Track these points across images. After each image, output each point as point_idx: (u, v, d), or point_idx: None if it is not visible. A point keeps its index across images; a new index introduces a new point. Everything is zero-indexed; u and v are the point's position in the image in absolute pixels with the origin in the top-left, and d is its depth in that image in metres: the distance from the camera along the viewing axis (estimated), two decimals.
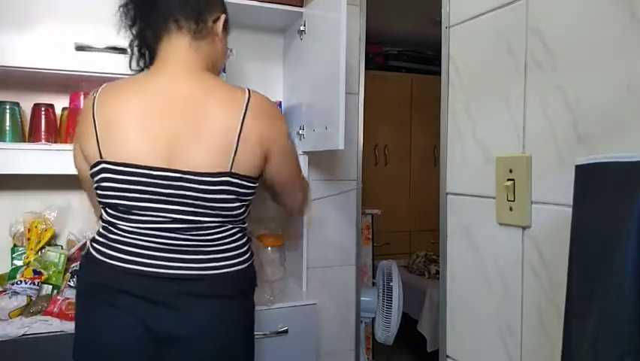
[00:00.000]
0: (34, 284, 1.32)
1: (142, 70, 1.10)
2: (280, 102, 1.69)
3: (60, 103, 1.50)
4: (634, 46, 0.65)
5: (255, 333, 1.36)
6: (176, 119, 0.96)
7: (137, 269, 0.96)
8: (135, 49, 1.09)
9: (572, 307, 0.54)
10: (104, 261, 0.97)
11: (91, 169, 1.00)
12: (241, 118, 0.97)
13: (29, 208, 1.47)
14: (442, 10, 1.02)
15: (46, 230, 1.45)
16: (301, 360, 1.47)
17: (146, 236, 0.97)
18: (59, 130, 1.48)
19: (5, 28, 1.28)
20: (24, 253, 1.44)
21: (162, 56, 1.03)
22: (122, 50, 1.36)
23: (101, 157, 0.96)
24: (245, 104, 0.98)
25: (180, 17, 1.02)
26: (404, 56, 3.86)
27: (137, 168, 0.94)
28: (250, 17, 1.64)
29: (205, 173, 0.95)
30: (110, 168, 0.95)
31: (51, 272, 1.39)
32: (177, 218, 0.96)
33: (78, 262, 1.38)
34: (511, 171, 0.83)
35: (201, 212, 0.97)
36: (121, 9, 1.06)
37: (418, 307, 2.84)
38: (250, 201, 1.05)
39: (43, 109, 1.45)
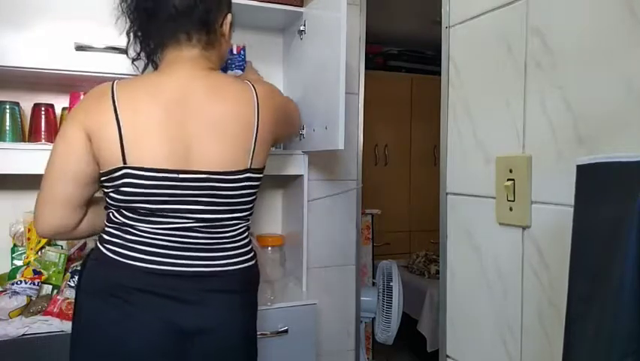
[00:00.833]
0: (34, 284, 1.32)
1: (138, 57, 1.09)
2: None
3: (60, 103, 1.50)
4: (634, 46, 0.65)
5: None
6: (193, 122, 0.97)
7: (158, 268, 0.97)
8: (133, 52, 1.09)
9: (572, 307, 0.54)
10: (121, 261, 0.96)
11: (107, 174, 0.96)
12: (256, 114, 1.02)
13: (29, 208, 1.46)
14: (442, 10, 1.02)
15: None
16: (301, 360, 1.47)
17: (166, 236, 0.98)
18: (59, 130, 1.48)
19: (5, 28, 1.28)
20: (24, 252, 1.44)
21: (172, 61, 1.03)
22: (122, 50, 1.36)
23: (125, 162, 0.94)
24: (255, 100, 1.03)
25: (191, 30, 1.02)
26: (404, 56, 3.86)
27: (163, 172, 0.95)
28: (250, 17, 1.64)
29: (231, 172, 0.98)
30: (134, 174, 0.94)
31: (51, 272, 1.39)
32: (200, 218, 0.98)
33: (78, 262, 1.38)
34: (511, 171, 0.83)
35: (223, 210, 1.00)
36: (122, 6, 1.04)
37: (418, 307, 2.84)
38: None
39: (43, 109, 1.45)
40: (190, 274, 0.99)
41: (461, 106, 0.98)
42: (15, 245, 1.46)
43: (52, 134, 1.45)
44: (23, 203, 1.48)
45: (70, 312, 1.21)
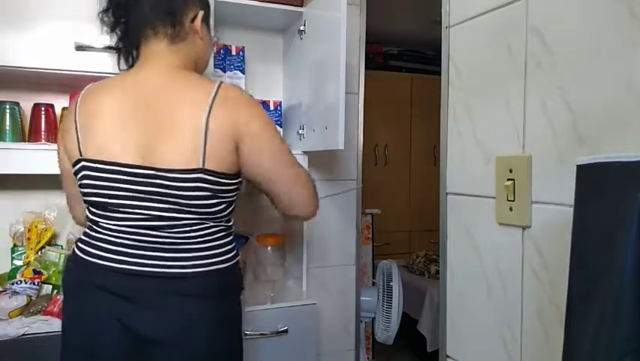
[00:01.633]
0: (34, 284, 1.32)
1: (128, 70, 1.11)
2: (280, 102, 1.69)
3: (60, 103, 1.50)
4: (634, 46, 0.65)
5: (255, 333, 1.37)
6: (150, 117, 0.96)
7: (116, 267, 0.96)
8: (122, 48, 1.10)
9: (572, 306, 0.54)
10: (85, 259, 0.99)
11: (73, 167, 1.01)
12: (207, 112, 0.94)
13: (29, 208, 1.47)
14: (442, 10, 1.02)
15: (46, 230, 1.45)
16: (301, 360, 1.47)
17: (126, 234, 0.97)
18: (59, 131, 1.48)
19: (5, 28, 1.28)
20: (24, 252, 1.44)
21: (142, 58, 1.05)
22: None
23: (81, 155, 0.98)
24: (212, 98, 0.95)
25: (156, 23, 1.02)
26: (404, 56, 3.86)
27: (114, 165, 0.96)
28: (250, 17, 1.64)
29: (178, 170, 0.93)
30: (89, 166, 0.97)
31: (51, 272, 1.39)
32: (156, 215, 0.96)
33: None
34: (511, 171, 0.83)
35: (178, 209, 0.96)
36: (100, 15, 1.06)
37: (418, 307, 2.84)
38: (232, 199, 1.02)
39: (43, 109, 1.45)
40: (151, 275, 0.95)
41: (461, 106, 0.98)
42: (15, 245, 1.46)
43: (52, 134, 1.45)
44: (23, 203, 1.49)
45: None
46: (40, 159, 1.30)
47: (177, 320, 0.95)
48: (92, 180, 0.97)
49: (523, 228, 0.82)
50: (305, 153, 1.61)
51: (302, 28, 1.58)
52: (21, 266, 1.39)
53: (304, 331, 1.47)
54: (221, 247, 1.01)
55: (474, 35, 0.94)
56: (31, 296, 1.30)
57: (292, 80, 1.72)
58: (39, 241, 1.44)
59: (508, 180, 0.83)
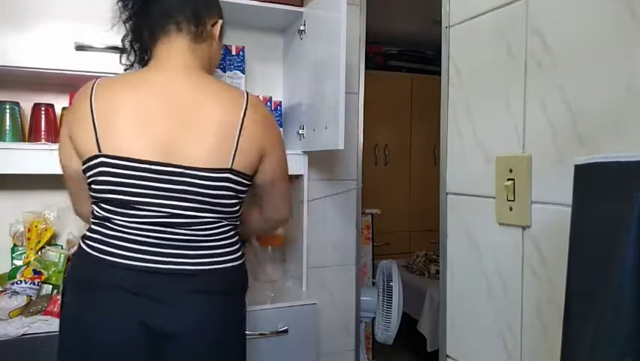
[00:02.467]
0: (34, 284, 1.32)
1: (132, 65, 1.12)
2: (280, 102, 1.69)
3: (60, 103, 1.50)
4: (634, 46, 0.65)
5: (255, 333, 1.37)
6: (174, 116, 0.96)
7: (134, 265, 0.95)
8: (127, 44, 1.10)
9: (571, 306, 0.54)
10: (99, 257, 0.96)
11: (85, 163, 0.98)
12: (242, 116, 0.99)
13: (29, 208, 1.47)
14: (442, 10, 1.02)
15: (46, 230, 1.45)
16: (301, 360, 1.47)
17: (143, 231, 0.96)
18: (59, 130, 1.48)
19: (5, 28, 1.28)
20: (24, 252, 1.44)
21: (159, 56, 1.04)
22: (122, 50, 1.36)
23: (99, 151, 0.95)
24: (245, 104, 1.01)
25: (181, 20, 1.04)
26: (404, 56, 3.86)
27: (137, 162, 0.94)
28: (250, 17, 1.64)
29: (207, 169, 0.96)
30: (109, 162, 0.95)
31: (51, 272, 1.39)
32: (175, 213, 0.96)
33: None
34: (511, 170, 0.83)
35: (200, 207, 0.97)
36: (119, 3, 1.07)
37: (418, 307, 2.84)
38: (244, 199, 1.06)
39: (43, 109, 1.45)
40: (166, 272, 0.96)
41: (461, 106, 0.98)
42: (15, 245, 1.46)
43: (52, 134, 1.45)
44: (23, 203, 1.49)
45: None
46: (40, 159, 1.30)
47: (194, 315, 0.98)
48: (112, 176, 0.95)
49: (523, 228, 0.82)
50: (305, 152, 1.61)
51: (302, 28, 1.58)
52: (21, 266, 1.39)
53: (304, 331, 1.47)
54: (233, 245, 1.05)
55: (474, 35, 0.94)
56: (31, 296, 1.30)
57: (292, 80, 1.72)
58: (39, 241, 1.44)
59: (508, 180, 0.83)
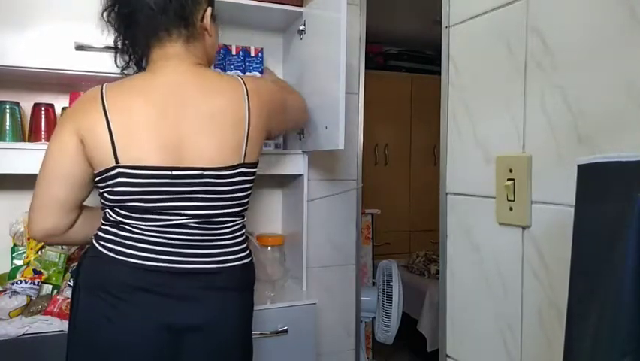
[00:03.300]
0: (34, 284, 1.32)
1: (127, 65, 1.12)
2: None
3: (60, 103, 1.50)
4: (634, 46, 0.65)
5: (255, 333, 1.37)
6: (185, 119, 0.98)
7: (153, 265, 0.97)
8: (130, 49, 1.10)
9: (572, 306, 0.54)
10: (116, 258, 0.97)
11: (100, 174, 0.97)
12: (247, 109, 1.02)
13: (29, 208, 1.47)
14: (442, 9, 1.02)
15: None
16: (301, 360, 1.47)
17: (162, 233, 0.98)
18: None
19: (5, 28, 1.28)
20: (24, 252, 1.44)
21: (156, 59, 1.05)
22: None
23: (117, 162, 0.94)
24: (246, 95, 1.03)
25: (170, 26, 1.03)
26: (404, 55, 3.86)
27: (157, 170, 0.95)
28: (250, 17, 1.64)
29: (224, 167, 0.99)
30: (127, 173, 0.94)
31: (51, 272, 1.39)
32: (195, 214, 0.99)
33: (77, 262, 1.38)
34: (511, 170, 0.83)
35: (218, 205, 1.01)
36: (104, 14, 1.06)
37: (418, 306, 2.84)
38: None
39: (43, 109, 1.45)
40: (185, 271, 0.99)
41: (461, 106, 0.98)
42: (15, 245, 1.46)
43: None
44: (23, 203, 1.47)
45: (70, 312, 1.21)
46: (40, 159, 1.30)
47: (214, 309, 1.01)
48: (130, 186, 0.95)
49: (523, 228, 0.82)
50: (305, 152, 1.61)
51: (302, 28, 1.58)
52: (21, 266, 1.39)
53: (304, 331, 1.47)
54: (243, 243, 1.09)
55: (474, 35, 0.94)
56: (31, 296, 1.30)
57: (292, 80, 1.71)
58: (39, 241, 1.44)
59: (508, 180, 0.83)
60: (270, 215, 1.82)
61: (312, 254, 1.76)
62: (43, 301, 1.29)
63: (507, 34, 0.85)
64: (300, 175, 1.62)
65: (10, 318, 1.23)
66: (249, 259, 1.09)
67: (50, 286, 1.38)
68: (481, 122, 0.92)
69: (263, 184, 1.78)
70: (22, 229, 1.45)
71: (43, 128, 1.44)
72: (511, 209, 0.84)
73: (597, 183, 0.53)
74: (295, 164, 1.60)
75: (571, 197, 0.56)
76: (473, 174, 0.94)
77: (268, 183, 1.79)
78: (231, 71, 1.59)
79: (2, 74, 1.37)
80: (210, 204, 1.00)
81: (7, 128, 1.39)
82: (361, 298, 1.92)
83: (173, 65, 1.03)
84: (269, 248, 1.66)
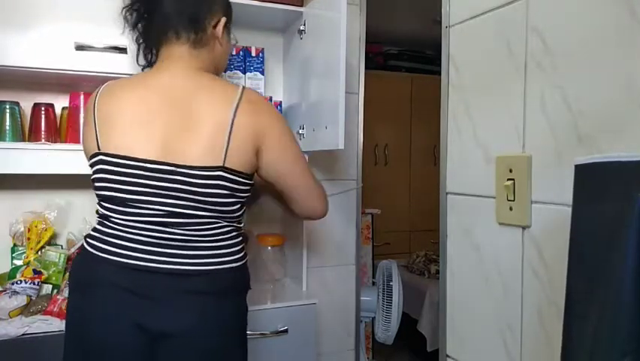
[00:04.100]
0: (34, 284, 1.32)
1: (149, 64, 1.13)
2: (280, 102, 1.69)
3: (60, 103, 1.50)
4: (634, 46, 0.65)
5: (255, 333, 1.37)
6: (170, 115, 0.98)
7: (131, 263, 0.96)
8: (142, 45, 1.11)
9: (571, 306, 0.54)
10: (96, 255, 0.98)
11: (89, 161, 1.02)
12: (232, 113, 0.98)
13: (29, 208, 1.47)
14: (442, 9, 1.02)
15: (46, 230, 1.45)
16: (301, 360, 1.47)
17: (140, 230, 0.97)
18: (59, 130, 1.48)
19: (5, 28, 1.28)
20: (24, 252, 1.44)
21: (163, 59, 1.06)
22: (121, 50, 1.36)
23: (99, 149, 0.98)
24: (238, 99, 0.99)
25: (179, 28, 1.04)
26: (404, 55, 3.86)
27: (132, 160, 0.96)
28: (250, 17, 1.64)
29: (198, 167, 0.95)
30: (106, 160, 0.97)
31: (51, 272, 1.39)
32: (172, 212, 0.96)
33: None
34: (511, 170, 0.83)
35: (196, 206, 0.97)
36: (123, 11, 1.08)
37: (418, 306, 2.84)
38: (245, 200, 1.05)
39: (43, 109, 1.45)
40: (164, 272, 0.96)
41: (461, 106, 0.98)
42: (15, 245, 1.46)
43: (52, 134, 1.45)
44: (23, 203, 1.49)
45: None
46: (40, 159, 1.30)
47: (190, 316, 0.97)
48: (109, 174, 0.97)
49: (523, 228, 0.82)
50: (305, 152, 1.60)
51: (302, 27, 1.58)
52: (21, 266, 1.39)
53: (304, 331, 1.47)
54: (233, 247, 1.04)
55: (474, 35, 0.94)
56: (31, 296, 1.30)
57: (292, 80, 1.72)
58: (39, 241, 1.44)
59: (508, 180, 0.83)
60: (270, 215, 1.82)
61: (312, 254, 1.76)
62: (43, 301, 1.29)
63: (507, 34, 0.85)
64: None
65: (10, 318, 1.23)
66: (238, 263, 1.04)
67: (50, 286, 1.38)
68: (481, 122, 0.92)
69: None
70: (22, 229, 1.45)
71: (43, 128, 1.44)
72: (511, 209, 0.84)
73: (595, 183, 0.53)
74: None
75: (571, 197, 0.56)
76: (473, 174, 0.94)
77: None
78: (251, 72, 1.60)
79: (2, 74, 1.37)
80: (186, 203, 0.96)
81: (7, 128, 1.40)
82: (361, 298, 1.92)
83: (174, 66, 1.04)
84: (269, 248, 1.66)
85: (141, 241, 0.97)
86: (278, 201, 1.23)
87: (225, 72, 1.58)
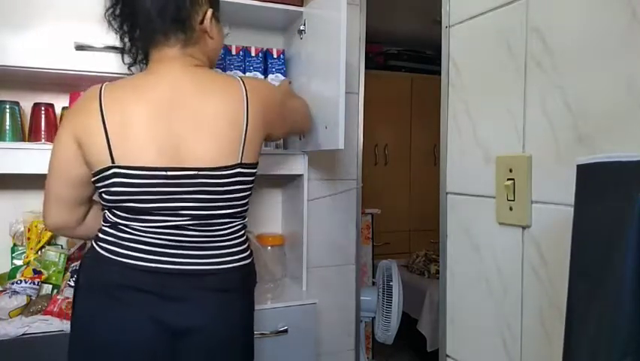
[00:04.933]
0: (34, 284, 1.32)
1: (135, 62, 1.10)
2: None
3: (60, 102, 1.50)
4: (634, 46, 0.65)
5: (255, 333, 1.37)
6: (181, 118, 0.97)
7: (151, 266, 0.97)
8: (127, 43, 1.08)
9: (572, 306, 0.54)
10: (113, 259, 0.97)
11: (97, 174, 0.98)
12: (245, 108, 1.01)
13: (29, 208, 1.47)
14: (442, 9, 1.02)
15: (45, 229, 1.45)
16: (301, 360, 1.47)
17: (159, 234, 0.98)
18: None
19: (5, 28, 1.28)
20: (24, 252, 1.44)
21: (156, 61, 1.05)
22: (121, 50, 1.36)
23: (113, 162, 0.95)
24: (244, 93, 1.02)
25: (166, 30, 1.02)
26: (404, 55, 3.86)
27: (152, 170, 0.95)
28: (250, 16, 1.64)
29: (220, 167, 0.98)
30: (123, 173, 0.95)
31: (51, 272, 1.39)
32: (193, 214, 0.98)
33: (78, 262, 1.38)
34: (511, 170, 0.83)
35: (216, 206, 1.00)
36: (106, 15, 1.06)
37: (417, 306, 2.84)
38: (252, 190, 1.09)
39: (43, 109, 1.45)
40: (183, 272, 0.98)
41: (461, 106, 0.98)
42: (15, 245, 1.46)
43: (52, 133, 1.45)
44: (23, 203, 1.49)
45: (70, 312, 1.21)
46: (40, 158, 1.30)
47: (208, 311, 1.00)
48: (126, 186, 0.95)
49: (523, 228, 0.82)
50: (305, 152, 1.61)
51: (302, 27, 1.58)
52: (21, 266, 1.39)
53: (304, 331, 1.47)
54: (243, 244, 1.08)
55: (474, 35, 0.94)
56: (31, 296, 1.30)
57: (292, 80, 1.72)
58: (39, 241, 1.44)
59: (508, 179, 0.83)
60: (270, 215, 1.82)
61: (312, 254, 1.76)
62: (43, 301, 1.29)
63: (507, 34, 0.85)
64: (300, 175, 1.62)
65: (10, 318, 1.23)
66: (248, 260, 1.08)
67: (50, 286, 1.38)
68: (481, 122, 0.92)
69: (263, 184, 1.78)
70: (22, 229, 1.45)
71: (43, 128, 1.44)
72: (511, 209, 0.84)
73: (597, 183, 0.53)
74: (295, 164, 1.60)
75: (571, 197, 0.56)
76: (473, 174, 0.94)
77: (268, 183, 1.79)
78: (231, 71, 1.59)
79: (2, 74, 1.37)
80: (207, 204, 0.99)
81: (7, 128, 1.40)
82: (361, 298, 1.92)
83: (171, 66, 1.03)
84: (269, 248, 1.66)
85: (159, 244, 0.98)
86: None
87: (225, 72, 1.58)
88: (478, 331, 0.94)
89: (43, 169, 1.31)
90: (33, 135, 1.44)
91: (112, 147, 0.95)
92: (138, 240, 0.98)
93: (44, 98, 1.49)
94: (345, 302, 1.89)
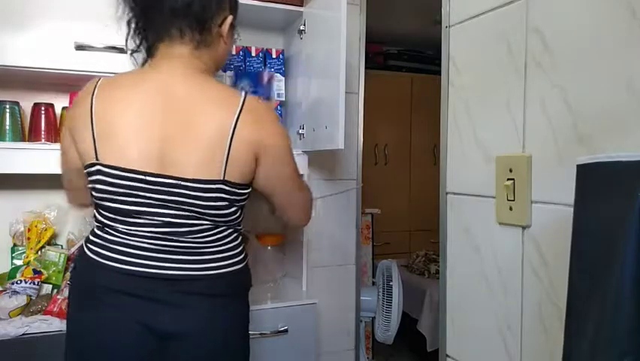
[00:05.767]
0: (34, 284, 1.32)
1: (138, 48, 1.07)
2: (280, 102, 1.69)
3: (60, 102, 1.50)
4: (634, 46, 0.65)
5: (255, 333, 1.37)
6: (170, 123, 0.95)
7: (135, 270, 0.96)
8: (132, 30, 1.05)
9: (572, 306, 0.54)
10: (100, 262, 0.97)
11: (86, 168, 0.99)
12: (233, 123, 0.95)
13: (29, 208, 1.47)
14: (442, 9, 1.02)
15: (46, 229, 1.45)
16: (301, 360, 1.47)
17: (143, 238, 0.97)
18: (59, 129, 1.48)
19: (5, 28, 1.28)
20: (24, 252, 1.44)
21: (161, 56, 1.01)
22: (121, 50, 1.36)
23: (97, 158, 0.95)
24: (238, 110, 0.96)
25: (184, 27, 0.99)
26: (404, 55, 3.86)
27: (132, 172, 0.94)
28: (250, 16, 1.63)
29: (199, 180, 0.94)
30: (105, 172, 0.94)
31: (51, 272, 1.39)
32: (171, 222, 0.96)
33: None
34: (511, 170, 0.83)
35: (196, 216, 0.97)
36: (124, 2, 1.03)
37: (417, 306, 2.84)
38: (244, 205, 1.05)
39: (43, 108, 1.45)
40: (171, 277, 0.97)
41: (461, 106, 0.98)
42: (15, 245, 1.46)
43: (52, 134, 1.45)
44: (23, 203, 1.49)
45: None
46: (40, 158, 1.30)
47: (196, 316, 0.98)
48: (109, 185, 0.94)
49: (523, 227, 0.82)
50: (305, 152, 1.60)
51: (302, 27, 1.58)
52: (21, 266, 1.39)
53: (304, 331, 1.47)
54: (234, 250, 1.05)
55: (474, 35, 0.94)
56: (31, 296, 1.30)
57: (292, 80, 1.72)
58: (39, 241, 1.44)
59: (508, 179, 0.83)
60: (270, 215, 1.82)
61: (312, 254, 1.76)
62: (43, 301, 1.29)
63: (507, 34, 0.85)
64: (300, 175, 1.62)
65: (10, 318, 1.23)
66: (239, 266, 1.05)
67: (50, 286, 1.38)
68: (481, 122, 0.92)
69: None
70: (22, 229, 1.45)
71: (43, 128, 1.44)
72: (511, 209, 0.84)
73: (597, 182, 0.53)
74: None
75: (571, 197, 0.56)
76: (473, 174, 0.94)
77: None
78: (231, 71, 1.59)
79: (2, 74, 1.37)
80: (185, 213, 0.96)
81: (7, 128, 1.40)
82: (361, 298, 1.92)
83: (174, 66, 1.00)
84: (269, 248, 1.66)
85: (147, 248, 0.97)
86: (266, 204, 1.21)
87: (225, 72, 1.58)
88: (478, 331, 0.94)
89: (43, 169, 1.31)
90: (33, 135, 1.44)
91: (97, 145, 0.95)
92: (125, 243, 0.97)
93: (44, 98, 1.49)
94: (345, 302, 1.89)
